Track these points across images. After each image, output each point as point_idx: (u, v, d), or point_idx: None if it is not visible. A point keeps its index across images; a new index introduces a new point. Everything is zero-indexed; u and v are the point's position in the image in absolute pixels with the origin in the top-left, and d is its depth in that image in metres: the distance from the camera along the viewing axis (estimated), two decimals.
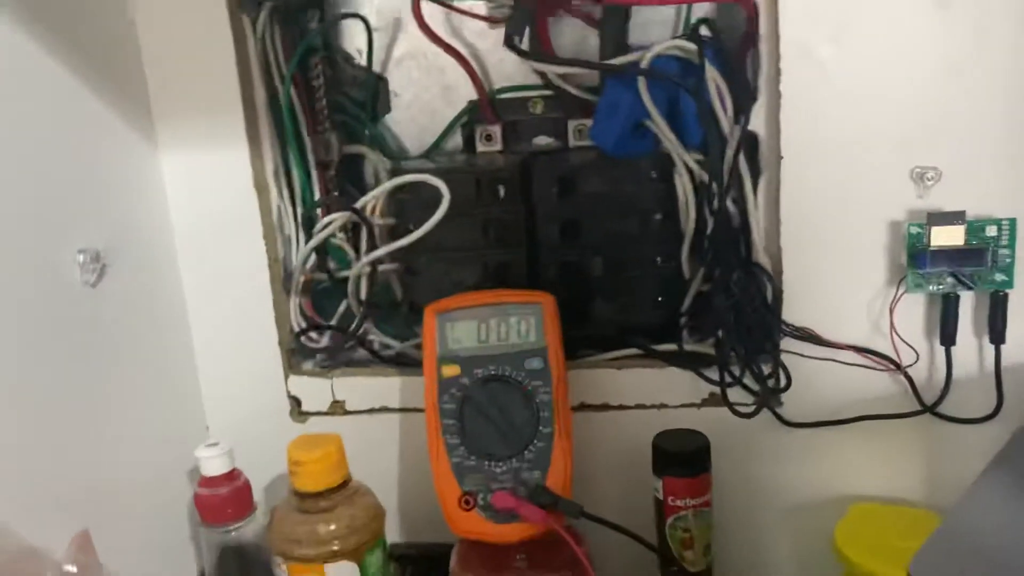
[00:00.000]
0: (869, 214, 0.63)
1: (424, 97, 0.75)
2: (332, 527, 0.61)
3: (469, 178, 0.67)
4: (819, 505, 0.67)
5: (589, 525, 0.62)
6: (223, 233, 0.71)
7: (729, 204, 0.65)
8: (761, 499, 0.69)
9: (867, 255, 0.63)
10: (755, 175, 0.65)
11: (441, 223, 0.67)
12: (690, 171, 0.66)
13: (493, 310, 0.64)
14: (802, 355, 0.65)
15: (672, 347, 0.68)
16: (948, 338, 0.62)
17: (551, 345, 0.63)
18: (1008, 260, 0.60)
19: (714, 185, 0.64)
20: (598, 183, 0.67)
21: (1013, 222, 0.60)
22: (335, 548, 0.61)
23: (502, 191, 0.68)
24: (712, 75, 0.63)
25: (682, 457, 0.63)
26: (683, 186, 0.67)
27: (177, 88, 0.69)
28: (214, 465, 0.64)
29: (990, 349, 0.62)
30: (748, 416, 0.65)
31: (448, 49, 0.71)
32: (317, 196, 0.73)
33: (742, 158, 0.64)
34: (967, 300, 0.62)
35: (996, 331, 0.61)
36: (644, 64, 0.63)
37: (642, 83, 0.64)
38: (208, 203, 0.71)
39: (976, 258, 0.60)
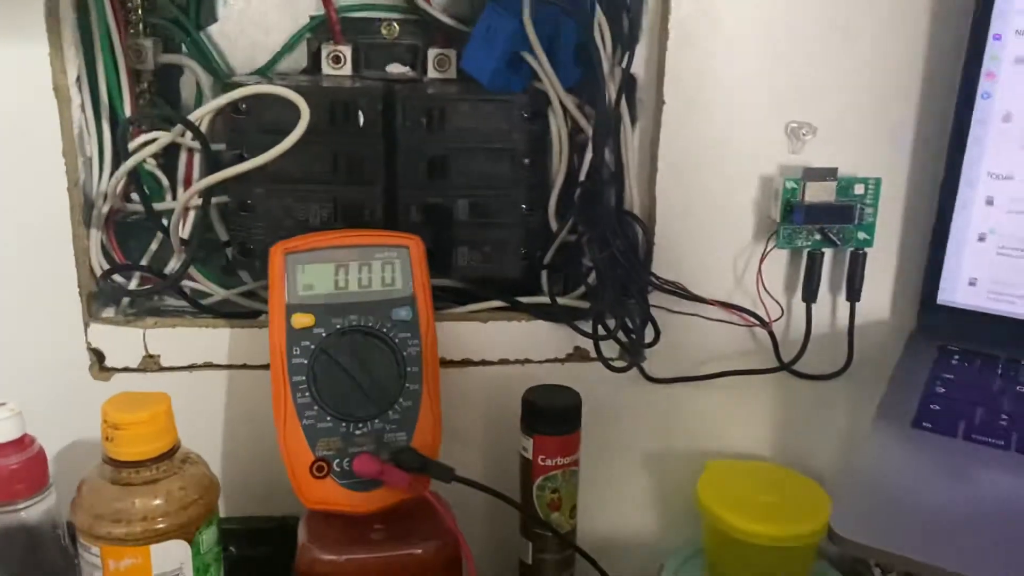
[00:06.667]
0: (744, 167, 0.62)
1: (259, 6, 0.64)
2: (159, 501, 0.51)
3: (325, 101, 0.59)
4: (678, 461, 0.66)
5: (442, 487, 0.56)
6: (7, 147, 0.58)
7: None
8: (622, 457, 0.67)
9: (739, 209, 0.63)
10: (631, 121, 0.62)
11: (284, 152, 0.58)
12: (566, 112, 0.62)
13: (353, 252, 0.57)
14: (669, 310, 0.63)
15: (544, 300, 0.63)
16: (811, 295, 0.63)
17: (420, 293, 0.57)
18: (871, 219, 0.62)
19: (591, 128, 0.61)
20: (468, 119, 0.61)
21: (878, 182, 0.61)
22: (162, 526, 0.51)
23: (362, 119, 0.60)
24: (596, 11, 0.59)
25: (555, 414, 0.59)
26: (557, 128, 0.62)
27: None
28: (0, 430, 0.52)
29: (845, 306, 0.64)
30: (622, 371, 0.62)
31: None
32: (128, 112, 0.61)
33: (624, 102, 0.61)
34: (827, 257, 0.63)
35: (853, 288, 0.63)
36: None
37: (526, 10, 0.59)
38: None
39: (844, 215, 0.61)
